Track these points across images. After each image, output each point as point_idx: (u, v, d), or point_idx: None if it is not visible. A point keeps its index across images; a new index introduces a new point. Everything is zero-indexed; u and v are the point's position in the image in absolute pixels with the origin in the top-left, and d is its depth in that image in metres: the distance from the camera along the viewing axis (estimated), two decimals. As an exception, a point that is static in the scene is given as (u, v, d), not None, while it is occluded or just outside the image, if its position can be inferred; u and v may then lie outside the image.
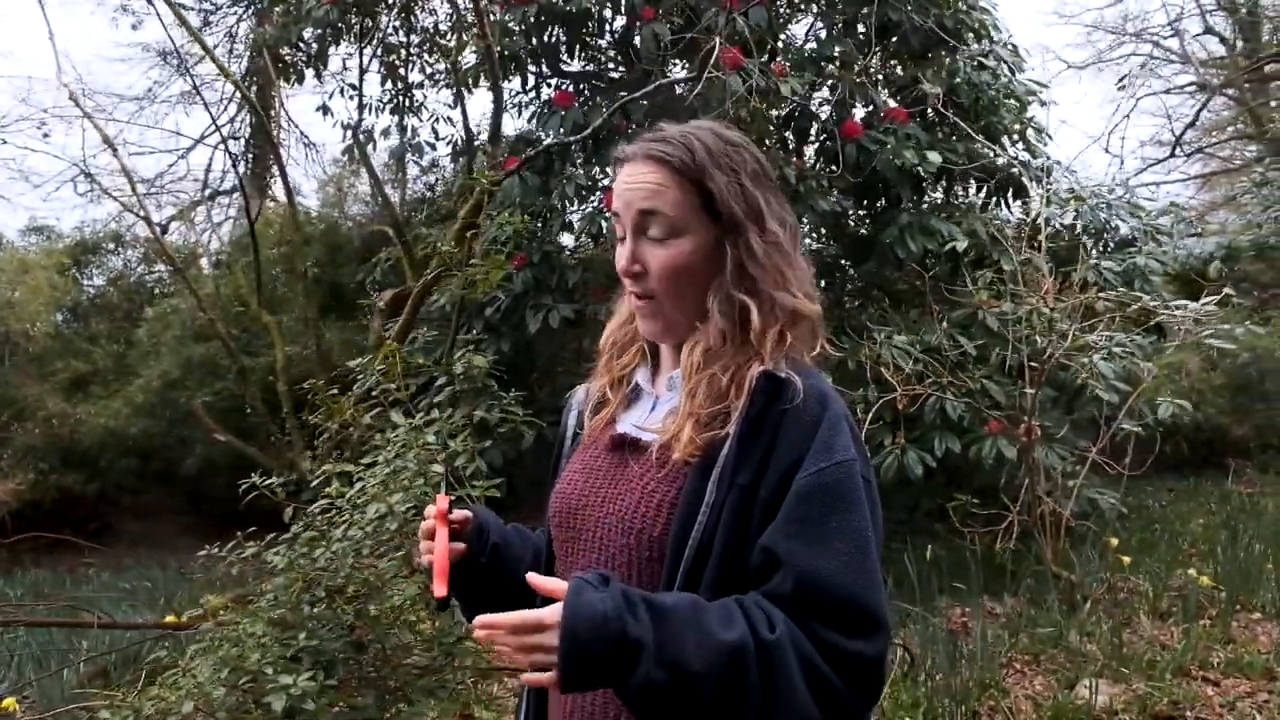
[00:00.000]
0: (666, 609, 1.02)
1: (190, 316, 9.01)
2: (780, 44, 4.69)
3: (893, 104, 5.66)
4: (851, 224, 5.67)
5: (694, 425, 1.17)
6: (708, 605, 1.05)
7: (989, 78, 5.63)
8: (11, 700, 3.48)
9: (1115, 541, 4.80)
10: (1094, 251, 6.23)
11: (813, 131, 5.41)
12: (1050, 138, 5.99)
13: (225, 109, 13.86)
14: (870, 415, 4.98)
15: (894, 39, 5.67)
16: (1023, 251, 5.96)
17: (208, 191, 13.19)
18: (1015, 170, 5.80)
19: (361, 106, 7.45)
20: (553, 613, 1.01)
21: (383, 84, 7.98)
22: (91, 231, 11.03)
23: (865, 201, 5.53)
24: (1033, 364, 4.25)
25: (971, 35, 5.86)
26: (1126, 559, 4.77)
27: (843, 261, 5.55)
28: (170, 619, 4.34)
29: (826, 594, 1.05)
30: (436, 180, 9.11)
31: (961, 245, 5.21)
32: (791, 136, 5.34)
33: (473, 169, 5.41)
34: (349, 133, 7.92)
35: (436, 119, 8.33)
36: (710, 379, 1.18)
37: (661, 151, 1.21)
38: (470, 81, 6.88)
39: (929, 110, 5.51)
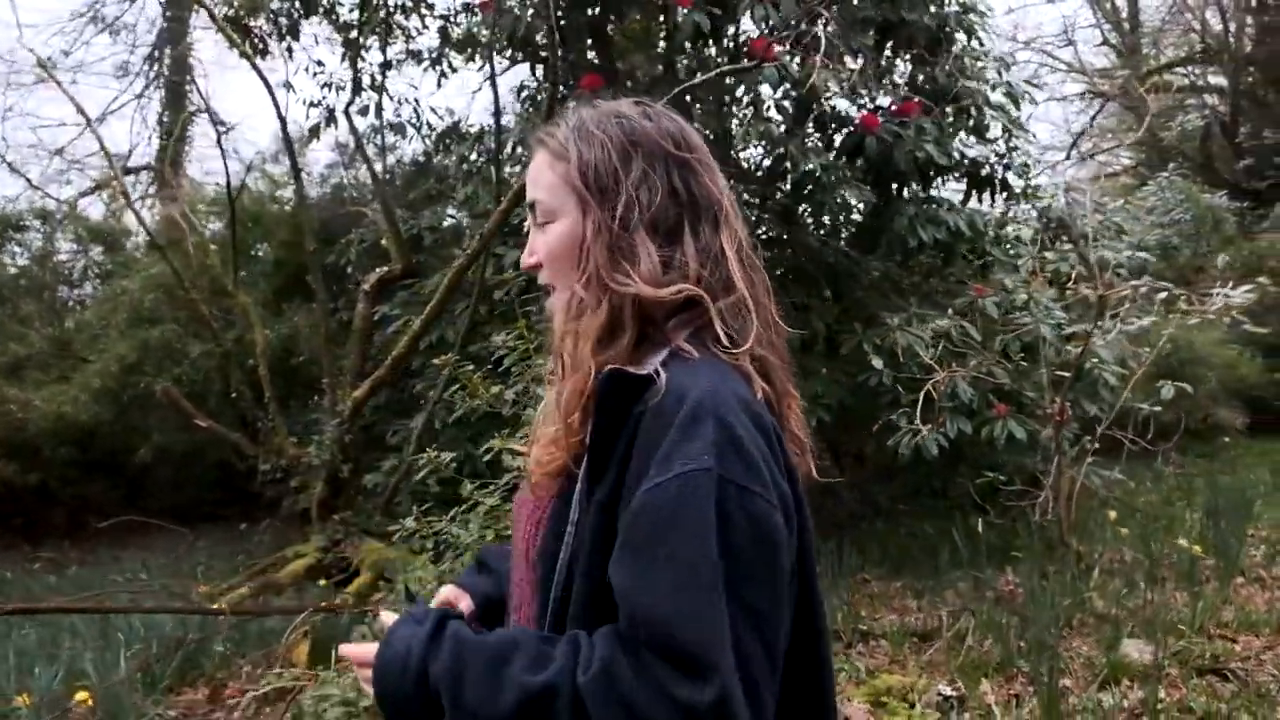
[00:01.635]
0: (472, 645, 0.98)
1: (140, 298, 8.63)
2: (811, 37, 4.82)
3: (885, 100, 5.91)
4: (859, 214, 5.88)
5: (544, 443, 1.10)
6: (528, 644, 0.98)
7: (982, 76, 5.92)
8: (85, 694, 3.36)
9: (1114, 515, 5.15)
10: (1059, 244, 6.65)
11: (829, 123, 5.58)
12: (1035, 136, 6.32)
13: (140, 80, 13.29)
14: (889, 399, 5.23)
15: (897, 36, 5.89)
16: (1011, 243, 6.32)
17: (123, 166, 12.62)
18: (1002, 165, 6.12)
19: (357, 82, 7.24)
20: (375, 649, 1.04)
21: (343, 61, 7.77)
22: (14, 209, 10.40)
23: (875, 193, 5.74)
24: (1071, 347, 4.53)
25: (962, 34, 6.14)
26: (1124, 530, 5.13)
27: (851, 252, 5.75)
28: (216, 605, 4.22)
29: (649, 629, 0.92)
30: (417, 160, 8.91)
31: (968, 234, 5.48)
32: (813, 129, 5.51)
33: (499, 152, 5.37)
34: (311, 110, 7.72)
35: (410, 101, 8.24)
36: (564, 382, 1.07)
37: (543, 134, 1.17)
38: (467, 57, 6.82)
39: (931, 105, 5.76)
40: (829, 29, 5.10)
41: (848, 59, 5.33)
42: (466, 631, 1.01)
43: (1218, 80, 17.61)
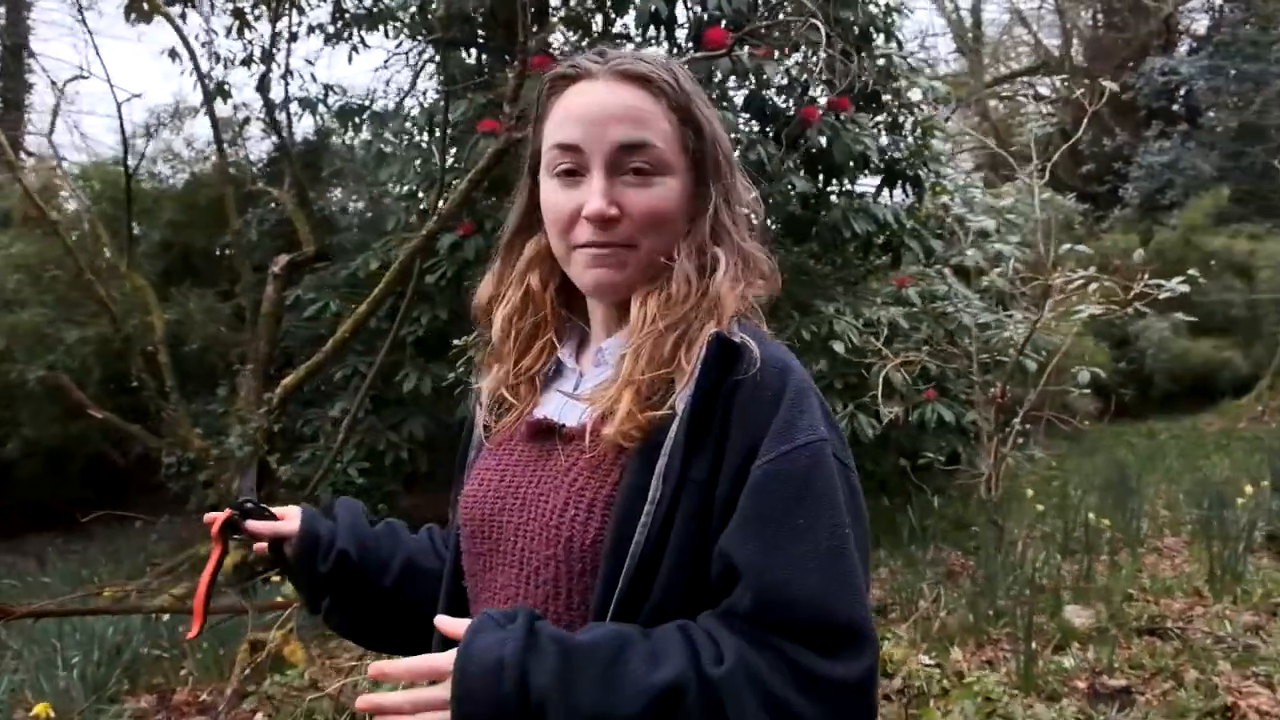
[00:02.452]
0: (580, 648, 0.86)
1: (1, 280, 7.92)
2: (764, 29, 4.92)
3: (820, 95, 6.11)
4: (793, 205, 6.04)
5: (633, 396, 0.97)
6: (636, 638, 0.88)
7: (903, 75, 6.19)
8: (44, 706, 3.10)
9: (1031, 492, 5.51)
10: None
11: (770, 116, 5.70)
12: (947, 134, 6.65)
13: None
14: (824, 385, 5.41)
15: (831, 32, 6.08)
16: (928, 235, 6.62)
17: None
18: (917, 161, 6.41)
19: (267, 55, 6.87)
20: (449, 659, 0.86)
21: (230, 33, 7.36)
22: None
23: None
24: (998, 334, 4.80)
25: (882, 36, 6.40)
26: (1040, 506, 5.50)
27: (785, 240, 5.91)
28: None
29: (793, 608, 0.88)
30: (308, 139, 8.53)
31: (896, 227, 5.73)
32: (756, 121, 5.62)
33: (446, 134, 5.23)
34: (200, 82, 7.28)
35: (305, 76, 7.88)
36: (658, 339, 0.98)
37: (646, 72, 1.01)
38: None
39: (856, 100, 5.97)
40: (778, 20, 5.22)
41: (793, 54, 5.47)
42: (562, 632, 0.88)
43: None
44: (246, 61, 7.51)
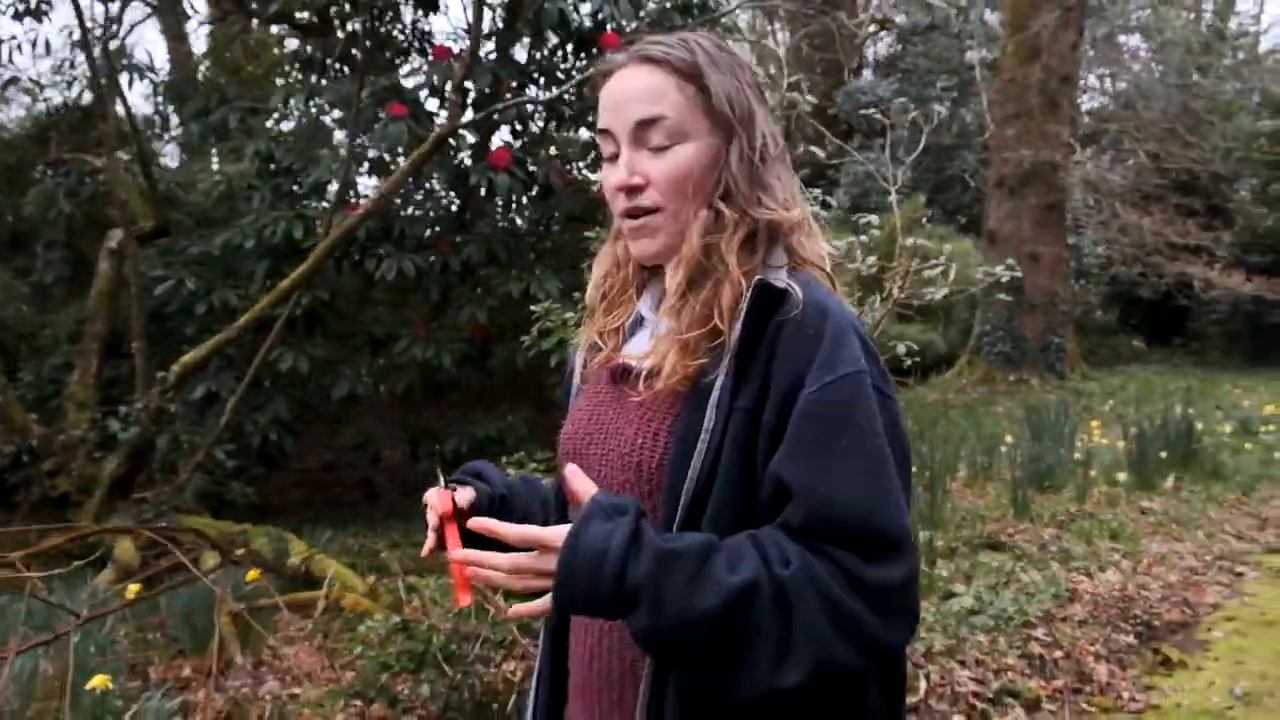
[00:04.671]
0: (674, 550, 0.96)
1: None
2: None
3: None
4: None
5: (679, 349, 1.09)
6: (720, 546, 0.98)
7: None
8: (103, 678, 3.08)
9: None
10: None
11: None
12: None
13: None
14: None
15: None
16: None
17: None
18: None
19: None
20: (556, 535, 0.98)
21: None
22: None
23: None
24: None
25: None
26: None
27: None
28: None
29: (840, 519, 0.98)
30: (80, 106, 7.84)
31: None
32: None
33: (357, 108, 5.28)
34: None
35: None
36: (690, 298, 1.10)
37: (660, 51, 1.13)
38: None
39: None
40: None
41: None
42: (660, 534, 0.99)
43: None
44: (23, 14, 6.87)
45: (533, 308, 3.41)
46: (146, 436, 5.15)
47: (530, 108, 5.67)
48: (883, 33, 19.70)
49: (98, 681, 3.05)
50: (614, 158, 1.15)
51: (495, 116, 5.08)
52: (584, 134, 6.31)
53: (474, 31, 4.48)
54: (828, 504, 0.98)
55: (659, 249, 1.14)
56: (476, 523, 1.04)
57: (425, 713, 3.04)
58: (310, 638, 4.00)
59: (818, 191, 6.11)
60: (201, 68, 8.02)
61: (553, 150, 6.31)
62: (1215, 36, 19.87)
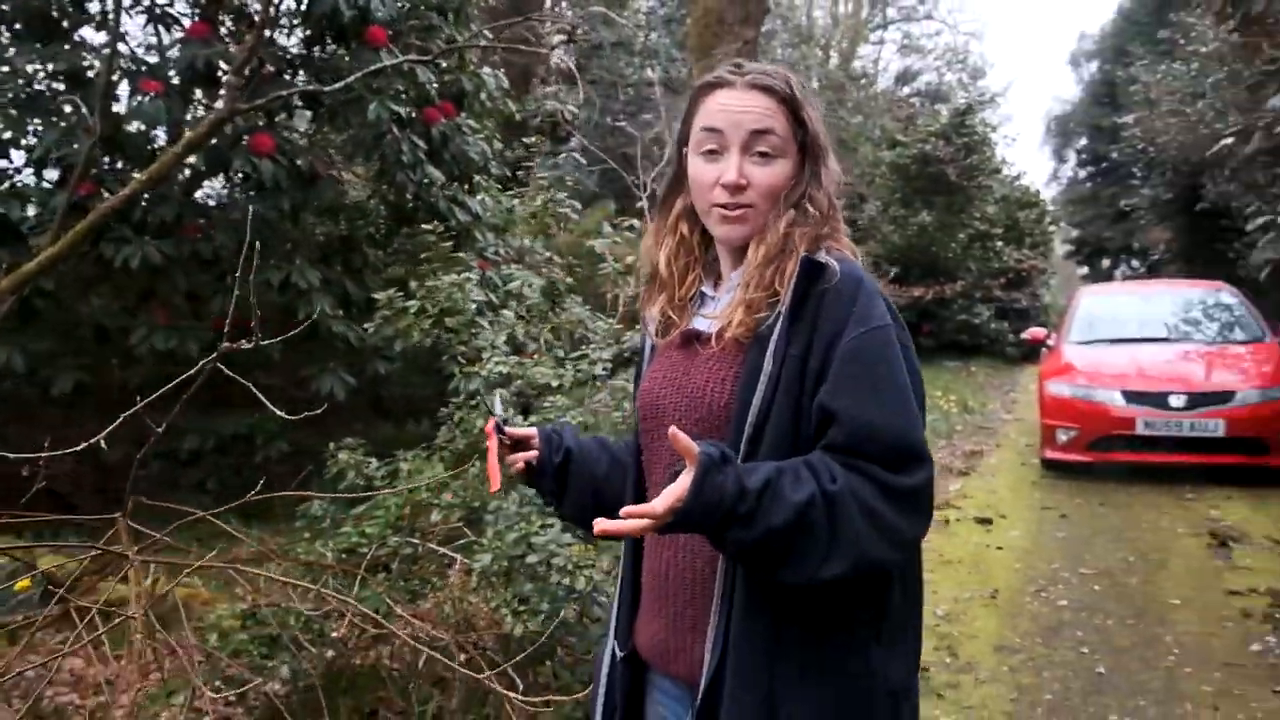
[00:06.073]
0: (758, 485, 1.18)
1: None
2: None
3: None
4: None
5: (745, 309, 1.34)
6: (783, 469, 1.22)
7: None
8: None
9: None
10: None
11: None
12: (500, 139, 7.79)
13: None
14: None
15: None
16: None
17: None
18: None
19: None
20: (678, 492, 1.16)
21: None
22: None
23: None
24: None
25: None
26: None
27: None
28: None
29: (876, 438, 1.23)
30: None
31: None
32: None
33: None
34: None
35: None
36: (764, 270, 1.34)
37: (770, 82, 1.37)
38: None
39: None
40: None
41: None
42: (743, 470, 1.21)
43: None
44: None
45: (374, 295, 3.50)
46: None
47: (295, 99, 5.54)
48: (569, 45, 20.56)
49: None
50: (712, 154, 1.38)
51: (265, 103, 4.93)
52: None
53: (264, 10, 4.37)
54: (869, 426, 1.24)
55: (744, 235, 1.39)
56: (627, 511, 1.20)
57: (283, 695, 3.05)
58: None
59: (511, 194, 6.57)
60: None
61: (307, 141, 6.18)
62: (846, 76, 22.93)
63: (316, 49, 5.85)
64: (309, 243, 6.01)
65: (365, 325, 4.07)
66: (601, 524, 1.19)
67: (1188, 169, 13.55)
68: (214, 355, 2.10)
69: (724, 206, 1.38)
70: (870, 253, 15.10)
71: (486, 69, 7.00)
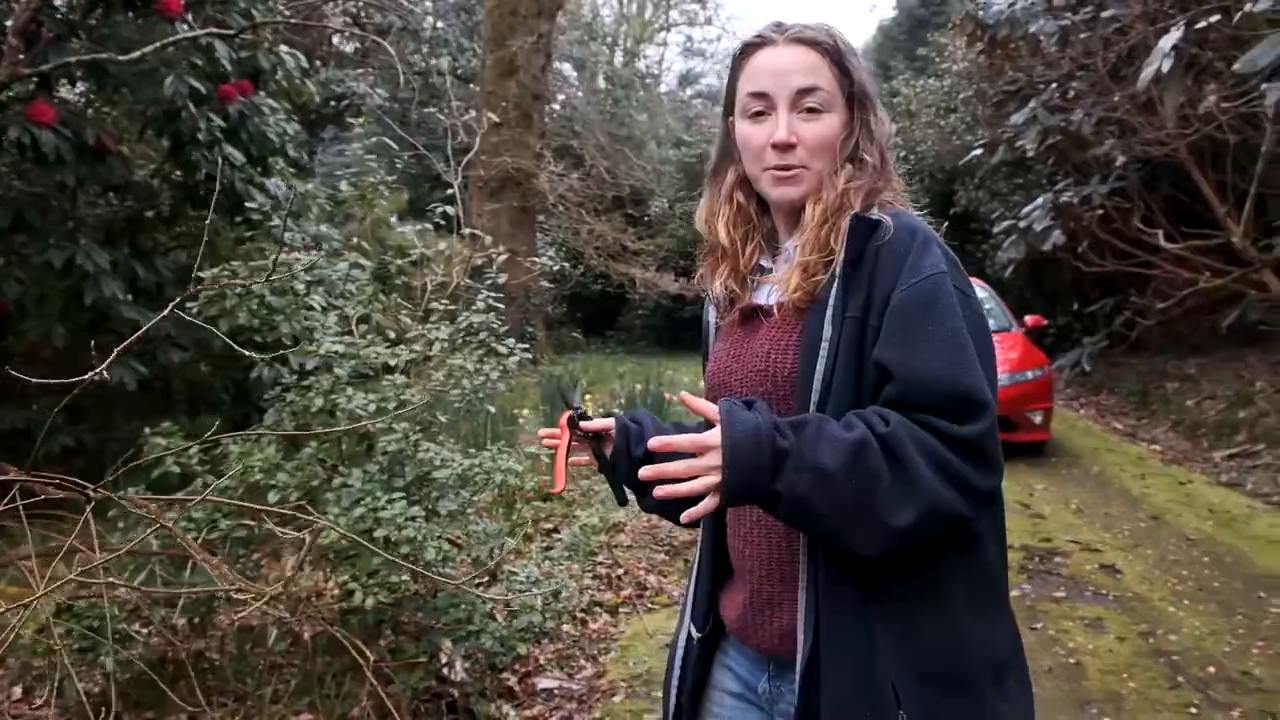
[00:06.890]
0: (801, 423, 1.17)
1: None
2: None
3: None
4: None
5: (801, 272, 1.30)
6: (826, 417, 1.20)
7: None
8: None
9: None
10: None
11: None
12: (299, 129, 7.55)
13: None
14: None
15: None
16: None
17: None
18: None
19: None
20: (713, 435, 1.15)
21: None
22: None
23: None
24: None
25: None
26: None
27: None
28: None
29: (930, 388, 1.17)
30: None
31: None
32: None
33: None
34: None
35: None
36: (817, 233, 1.31)
37: (814, 36, 1.34)
38: None
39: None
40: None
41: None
42: (780, 418, 1.19)
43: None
44: None
45: (199, 274, 3.35)
46: None
47: (75, 68, 5.13)
48: (354, 29, 19.88)
49: None
50: (759, 116, 1.36)
51: (52, 68, 4.57)
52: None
53: None
54: (917, 375, 1.18)
55: (799, 194, 1.36)
56: (656, 442, 1.21)
57: (96, 694, 2.92)
58: None
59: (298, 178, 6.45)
60: None
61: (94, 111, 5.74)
62: (633, 74, 23.49)
63: (98, 12, 5.43)
64: (93, 222, 5.60)
65: (165, 309, 3.87)
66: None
67: (943, 176, 14.90)
68: None
69: (776, 168, 1.36)
70: (662, 246, 15.62)
71: (284, 47, 6.75)
